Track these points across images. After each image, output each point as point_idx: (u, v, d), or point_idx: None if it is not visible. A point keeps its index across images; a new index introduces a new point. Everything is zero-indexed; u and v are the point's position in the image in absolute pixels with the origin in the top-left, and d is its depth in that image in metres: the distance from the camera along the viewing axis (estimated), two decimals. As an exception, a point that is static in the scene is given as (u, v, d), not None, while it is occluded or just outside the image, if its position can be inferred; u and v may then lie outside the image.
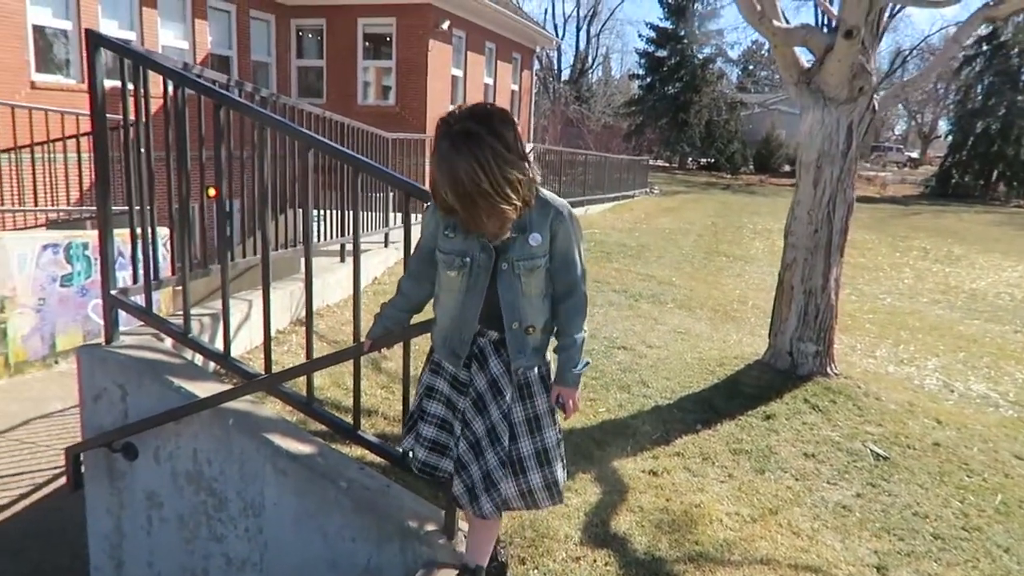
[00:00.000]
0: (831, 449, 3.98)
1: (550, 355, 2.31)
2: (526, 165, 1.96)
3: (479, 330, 2.21)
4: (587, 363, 2.28)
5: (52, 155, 8.01)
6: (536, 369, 2.24)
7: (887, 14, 6.08)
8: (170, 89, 3.09)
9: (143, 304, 3.19)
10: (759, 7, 4.85)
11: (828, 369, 4.96)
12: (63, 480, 3.42)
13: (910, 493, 3.61)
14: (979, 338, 7.49)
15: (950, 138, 35.42)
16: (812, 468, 3.77)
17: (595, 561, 2.82)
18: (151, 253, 3.20)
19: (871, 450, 4.00)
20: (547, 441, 2.25)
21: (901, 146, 55.31)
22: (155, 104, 3.16)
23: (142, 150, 3.10)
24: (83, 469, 3.14)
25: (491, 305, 2.16)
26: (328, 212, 5.72)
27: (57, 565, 3.87)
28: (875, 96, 4.88)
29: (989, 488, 3.75)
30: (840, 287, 5.11)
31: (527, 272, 2.11)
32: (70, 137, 7.90)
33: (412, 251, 2.39)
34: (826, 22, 6.24)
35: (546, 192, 2.14)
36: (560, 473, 2.28)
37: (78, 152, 7.98)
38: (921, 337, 7.25)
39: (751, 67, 52.81)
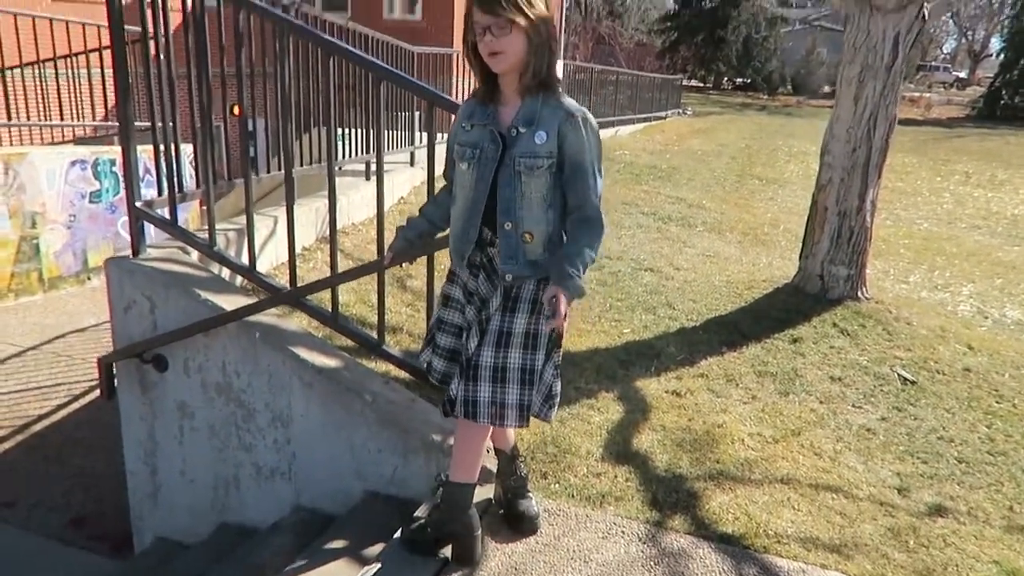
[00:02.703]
0: (858, 373, 3.93)
1: None
2: (553, 42, 2.02)
3: (489, 239, 2.15)
4: (582, 292, 2.05)
5: (76, 70, 7.94)
6: (531, 286, 2.14)
7: (943, -83, 5.70)
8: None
9: (168, 217, 3.19)
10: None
11: (859, 293, 4.87)
12: (98, 392, 3.52)
13: (936, 418, 3.58)
14: (1018, 264, 7.30)
15: (1002, 56, 33.76)
16: (838, 391, 3.74)
17: (616, 477, 2.84)
18: (175, 168, 3.19)
19: (899, 374, 3.96)
20: (509, 361, 2.13)
21: (949, 65, 52.93)
22: (175, 20, 3.09)
23: (163, 57, 3.05)
24: (115, 379, 3.21)
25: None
26: (354, 132, 5.64)
27: (96, 470, 4.03)
28: (925, 5, 4.61)
29: (1018, 414, 3.70)
30: (876, 210, 4.96)
31: (527, 171, 2.03)
32: (93, 51, 7.80)
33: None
34: (877, -74, 5.84)
35: (566, 98, 2.07)
36: (512, 398, 2.13)
37: (102, 67, 7.89)
38: (957, 263, 7.08)
39: (794, -20, 50.39)
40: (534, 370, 2.17)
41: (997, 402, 3.81)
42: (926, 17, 4.61)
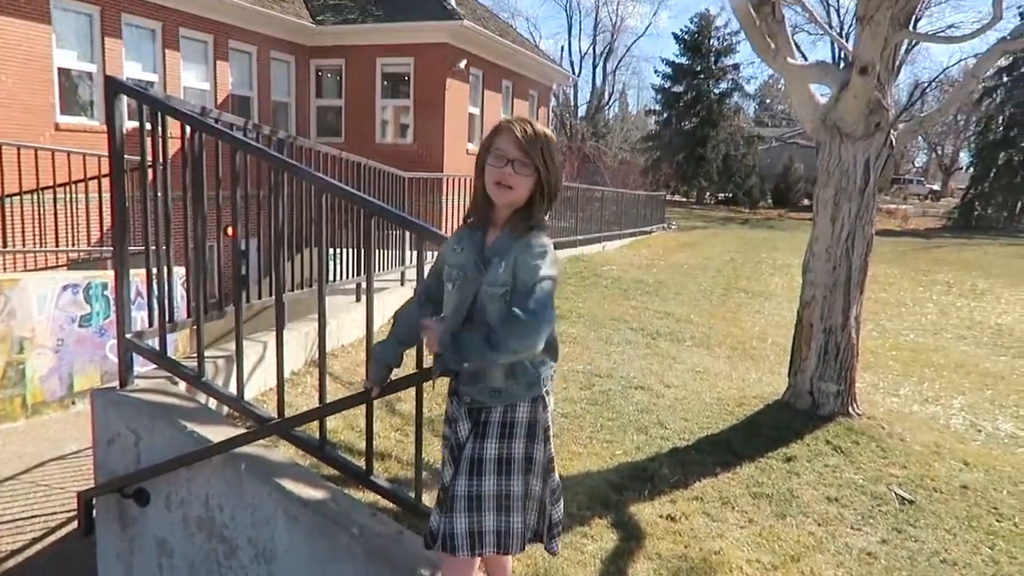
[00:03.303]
0: (854, 492, 3.87)
1: (524, 406, 2.19)
2: (554, 199, 2.16)
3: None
4: (461, 363, 2.10)
5: (74, 195, 8.14)
6: (498, 412, 2.17)
7: (903, 48, 6.08)
8: (188, 133, 3.13)
9: (158, 348, 3.19)
10: (773, 45, 4.87)
11: (850, 409, 4.87)
12: (76, 524, 3.40)
13: (937, 539, 3.50)
14: (1007, 375, 7.32)
15: (972, 170, 35.18)
16: (835, 513, 3.67)
17: (612, 612, 2.74)
18: (166, 296, 3.22)
19: (896, 493, 3.90)
20: (484, 489, 2.14)
21: (922, 178, 55.00)
22: (174, 143, 3.21)
23: (159, 194, 3.14)
24: (94, 514, 3.12)
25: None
26: (344, 251, 5.74)
27: (68, 611, 3.84)
28: (892, 131, 4.85)
29: (1020, 533, 3.62)
30: (861, 325, 5.03)
31: (490, 298, 2.09)
32: (92, 178, 8.01)
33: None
34: (842, 57, 6.23)
35: (537, 234, 2.12)
36: (488, 524, 2.14)
37: (99, 192, 8.08)
38: (946, 375, 7.10)
39: (768, 101, 52.90)
40: (511, 495, 2.17)
41: (998, 521, 3.73)
42: (893, 144, 4.84)
